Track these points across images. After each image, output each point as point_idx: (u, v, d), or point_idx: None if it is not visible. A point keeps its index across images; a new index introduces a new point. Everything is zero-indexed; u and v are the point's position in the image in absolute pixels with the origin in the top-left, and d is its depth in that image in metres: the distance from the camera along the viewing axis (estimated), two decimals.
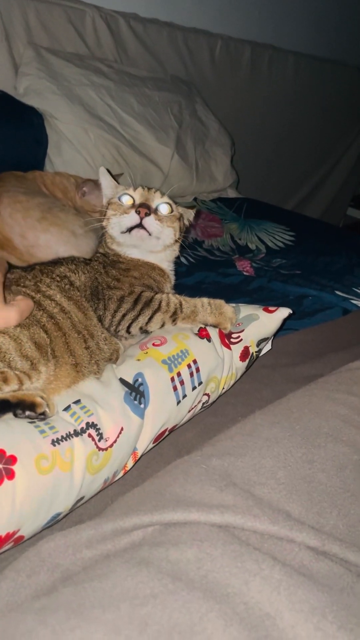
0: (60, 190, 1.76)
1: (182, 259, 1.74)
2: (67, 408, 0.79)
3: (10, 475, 0.67)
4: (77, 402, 0.80)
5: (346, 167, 3.99)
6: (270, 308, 1.11)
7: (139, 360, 0.91)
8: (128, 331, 1.00)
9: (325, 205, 4.04)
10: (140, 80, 2.31)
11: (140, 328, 1.00)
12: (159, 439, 0.91)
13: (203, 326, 1.02)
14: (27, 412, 0.75)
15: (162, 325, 1.00)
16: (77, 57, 2.17)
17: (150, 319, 1.00)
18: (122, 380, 0.88)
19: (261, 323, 1.08)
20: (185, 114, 2.38)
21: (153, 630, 0.44)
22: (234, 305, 1.10)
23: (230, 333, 1.05)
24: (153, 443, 0.90)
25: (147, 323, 1.00)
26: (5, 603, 0.55)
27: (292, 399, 0.86)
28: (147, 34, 2.44)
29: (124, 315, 1.00)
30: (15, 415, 0.76)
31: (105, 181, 1.20)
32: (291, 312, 1.11)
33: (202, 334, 1.00)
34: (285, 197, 3.69)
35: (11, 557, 0.68)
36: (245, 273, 1.69)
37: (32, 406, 0.75)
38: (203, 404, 0.99)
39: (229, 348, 1.03)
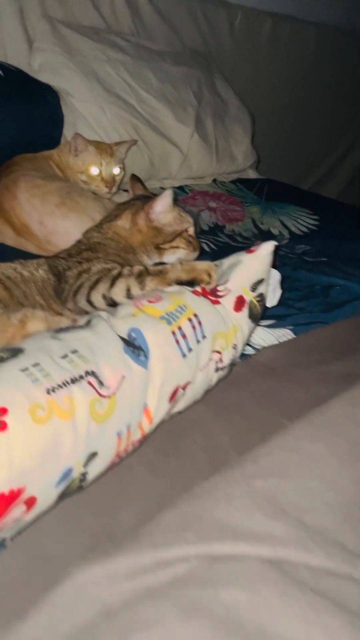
0: (67, 166, 1.69)
1: (204, 246, 1.67)
2: (64, 356, 0.75)
3: (2, 427, 0.62)
4: (75, 351, 0.76)
5: None
6: (252, 248, 1.02)
7: (134, 316, 0.87)
8: (89, 301, 0.96)
9: (343, 185, 3.92)
10: (158, 55, 2.21)
11: (104, 296, 0.96)
12: (174, 397, 0.86)
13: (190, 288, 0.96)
14: None
15: (129, 291, 0.95)
16: (93, 30, 2.08)
17: (112, 284, 0.96)
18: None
19: (245, 266, 1.00)
20: (205, 90, 2.28)
21: None
22: (216, 262, 1.04)
23: (215, 288, 0.98)
24: (169, 402, 0.85)
25: (109, 289, 0.96)
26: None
27: (333, 408, 0.82)
28: (165, 5, 2.34)
29: (81, 284, 0.98)
30: None
31: None
32: (276, 243, 1.02)
33: (195, 293, 0.95)
34: (301, 176, 3.58)
35: (40, 583, 0.64)
36: None
37: None
38: (217, 363, 0.93)
39: (218, 302, 0.96)
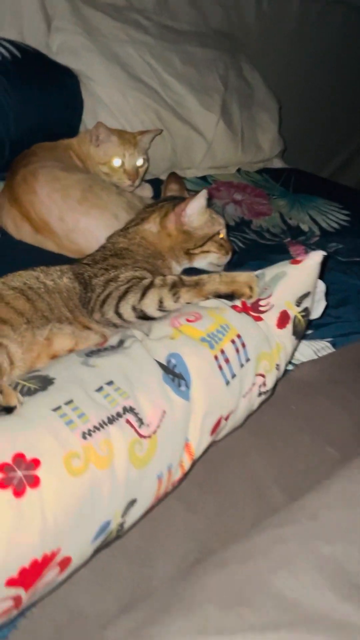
0: (88, 157, 1.59)
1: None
2: (99, 389, 0.68)
3: (34, 483, 0.56)
4: (110, 383, 0.69)
5: None
6: (299, 259, 0.94)
7: (172, 339, 0.79)
8: (118, 312, 0.89)
9: None
10: (182, 36, 2.09)
11: (134, 308, 0.88)
12: (216, 429, 0.79)
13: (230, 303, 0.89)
14: None
15: (161, 303, 0.87)
16: (114, 8, 1.96)
17: (143, 295, 0.88)
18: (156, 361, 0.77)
19: (290, 279, 0.92)
20: (231, 74, 2.17)
21: None
22: (257, 272, 0.96)
23: (257, 302, 0.91)
24: (210, 435, 0.77)
25: (140, 300, 0.87)
26: None
27: None
28: None
29: (109, 294, 0.90)
30: None
31: None
32: (324, 253, 0.93)
33: (236, 309, 0.87)
34: (321, 163, 3.44)
35: None
36: None
37: None
38: (260, 387, 0.86)
39: (260, 319, 0.88)
